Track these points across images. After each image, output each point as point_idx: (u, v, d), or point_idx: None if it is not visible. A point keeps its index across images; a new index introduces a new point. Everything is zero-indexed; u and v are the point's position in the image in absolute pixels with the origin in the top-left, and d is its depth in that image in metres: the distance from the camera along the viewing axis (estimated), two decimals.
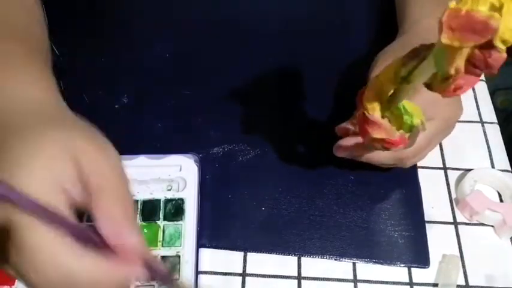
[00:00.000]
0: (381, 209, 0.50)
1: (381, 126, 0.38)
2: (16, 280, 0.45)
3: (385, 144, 0.40)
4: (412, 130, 0.39)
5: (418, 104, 0.40)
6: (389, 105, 0.38)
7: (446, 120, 0.46)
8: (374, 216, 0.50)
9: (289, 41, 0.62)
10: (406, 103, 0.38)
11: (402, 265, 0.47)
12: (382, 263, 0.48)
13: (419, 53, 0.33)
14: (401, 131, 0.39)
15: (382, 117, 0.39)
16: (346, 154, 0.47)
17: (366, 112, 0.38)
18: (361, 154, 0.46)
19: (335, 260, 0.48)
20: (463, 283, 0.47)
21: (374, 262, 0.48)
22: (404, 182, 0.52)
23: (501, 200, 0.52)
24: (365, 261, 0.48)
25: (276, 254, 0.48)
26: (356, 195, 0.51)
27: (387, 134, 0.39)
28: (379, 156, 0.45)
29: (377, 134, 0.39)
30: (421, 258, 0.48)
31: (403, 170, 0.51)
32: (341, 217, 0.50)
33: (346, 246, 0.48)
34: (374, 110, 0.38)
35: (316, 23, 0.65)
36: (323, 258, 0.48)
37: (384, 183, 0.52)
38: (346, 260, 0.48)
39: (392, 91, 0.37)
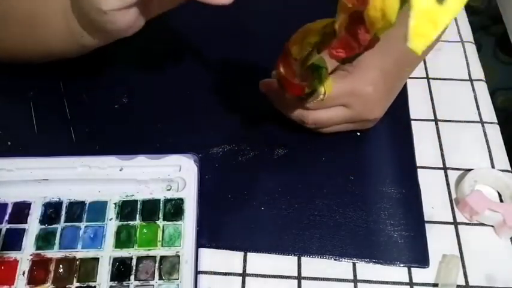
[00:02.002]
0: (380, 208, 0.50)
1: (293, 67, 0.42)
2: (16, 280, 0.45)
3: (285, 83, 0.45)
4: (314, 93, 0.44)
5: (337, 90, 0.46)
6: (305, 63, 0.41)
7: (358, 113, 0.49)
8: (373, 216, 0.50)
9: None
10: (325, 71, 0.43)
11: (402, 265, 0.47)
12: (381, 263, 0.47)
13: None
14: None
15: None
16: (266, 92, 0.51)
17: (288, 52, 0.41)
18: (275, 100, 0.51)
19: (334, 259, 0.48)
20: (463, 283, 0.47)
21: (374, 262, 0.47)
22: (403, 181, 0.52)
23: (501, 200, 0.52)
24: (365, 261, 0.47)
25: (276, 253, 0.48)
26: (355, 195, 0.51)
27: (291, 76, 0.43)
28: (287, 108, 0.50)
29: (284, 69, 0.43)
30: (420, 258, 0.48)
31: (402, 170, 0.52)
32: (340, 217, 0.50)
33: (346, 246, 0.48)
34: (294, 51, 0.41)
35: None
36: (322, 258, 0.48)
37: (384, 183, 0.52)
38: (346, 259, 0.48)
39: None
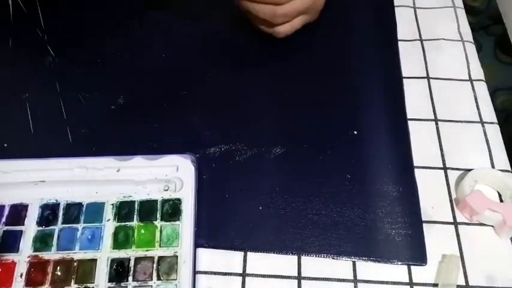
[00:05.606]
0: (378, 207, 0.50)
1: None
2: (13, 282, 0.45)
3: None
4: None
5: None
6: None
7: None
8: (371, 215, 0.50)
9: (288, 42, 0.62)
10: None
11: (399, 263, 0.47)
12: (379, 261, 0.47)
13: None
14: None
15: None
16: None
17: None
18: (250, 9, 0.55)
19: (332, 258, 0.47)
20: (463, 283, 0.46)
21: (372, 260, 0.47)
22: (400, 179, 0.52)
23: (501, 200, 0.51)
24: (363, 259, 0.47)
25: (273, 253, 0.48)
26: (353, 194, 0.51)
27: None
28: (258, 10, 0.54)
29: None
30: (418, 255, 0.47)
31: (399, 168, 0.52)
32: (338, 215, 0.50)
33: (344, 244, 0.48)
34: None
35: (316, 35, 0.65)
36: (320, 256, 0.48)
37: (381, 182, 0.52)
38: (344, 258, 0.47)
39: None
